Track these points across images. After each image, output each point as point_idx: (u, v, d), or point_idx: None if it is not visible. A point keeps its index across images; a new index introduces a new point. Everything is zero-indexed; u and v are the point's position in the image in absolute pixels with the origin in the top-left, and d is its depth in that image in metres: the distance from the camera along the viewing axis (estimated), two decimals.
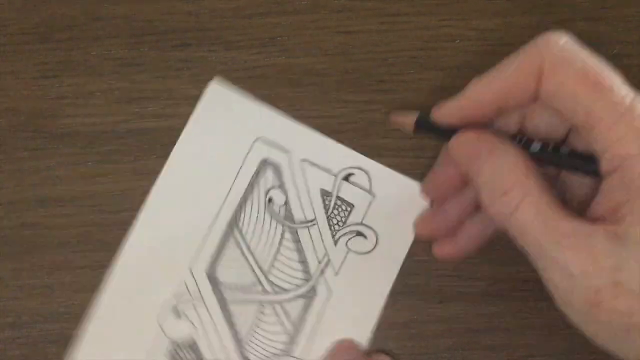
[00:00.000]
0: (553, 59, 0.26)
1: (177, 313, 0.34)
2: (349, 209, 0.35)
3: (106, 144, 0.36)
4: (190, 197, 0.35)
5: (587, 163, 0.27)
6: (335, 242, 0.35)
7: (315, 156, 0.35)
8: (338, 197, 0.35)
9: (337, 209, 0.35)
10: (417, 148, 0.36)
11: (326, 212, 0.35)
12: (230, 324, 0.34)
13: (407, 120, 0.31)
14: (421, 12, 0.37)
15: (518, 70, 0.27)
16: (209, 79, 0.36)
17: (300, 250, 0.35)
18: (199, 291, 0.34)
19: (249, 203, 0.35)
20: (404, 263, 0.35)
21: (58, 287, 0.35)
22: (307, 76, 0.36)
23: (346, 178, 0.35)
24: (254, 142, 0.35)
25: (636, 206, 0.24)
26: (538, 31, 0.36)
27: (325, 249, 0.35)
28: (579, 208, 0.27)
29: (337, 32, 0.36)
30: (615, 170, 0.25)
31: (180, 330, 0.34)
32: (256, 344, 0.34)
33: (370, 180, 0.35)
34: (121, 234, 0.35)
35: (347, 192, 0.35)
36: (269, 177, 0.35)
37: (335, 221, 0.35)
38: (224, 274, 0.34)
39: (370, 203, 0.35)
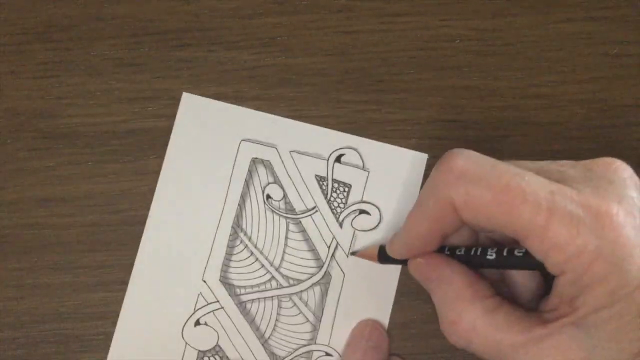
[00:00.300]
0: (459, 195, 0.26)
1: (199, 323, 0.34)
2: (346, 189, 0.35)
3: (106, 144, 0.36)
4: (190, 210, 0.35)
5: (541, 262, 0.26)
6: (341, 225, 0.35)
7: (302, 145, 0.35)
8: (334, 180, 0.35)
9: (336, 192, 0.35)
10: (416, 148, 0.36)
11: (325, 197, 0.35)
12: (252, 323, 0.34)
13: (371, 255, 0.33)
14: (421, 12, 0.37)
15: (434, 210, 0.27)
16: (209, 79, 0.36)
17: (307, 240, 0.35)
18: (216, 298, 0.34)
19: (248, 203, 0.35)
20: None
21: (58, 287, 0.35)
22: (307, 76, 0.36)
23: (338, 159, 0.35)
24: (240, 143, 0.35)
25: (587, 299, 0.24)
26: (538, 31, 0.37)
27: (332, 233, 0.35)
28: (531, 301, 0.28)
29: (337, 32, 0.36)
30: (561, 272, 0.25)
31: (205, 339, 0.34)
32: (281, 339, 0.34)
33: (361, 156, 0.35)
34: (121, 234, 0.35)
35: (342, 173, 0.35)
36: (262, 174, 0.35)
37: (336, 204, 0.35)
38: (237, 277, 0.35)
39: (366, 179, 0.35)
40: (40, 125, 0.36)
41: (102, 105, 0.36)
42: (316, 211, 0.35)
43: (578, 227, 0.24)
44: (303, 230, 0.35)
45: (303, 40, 0.36)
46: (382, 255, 0.32)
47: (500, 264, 0.28)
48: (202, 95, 0.36)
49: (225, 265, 0.35)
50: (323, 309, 0.35)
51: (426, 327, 0.35)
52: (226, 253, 0.35)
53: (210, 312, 0.34)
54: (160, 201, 0.35)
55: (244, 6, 0.37)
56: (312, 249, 0.35)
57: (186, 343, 0.34)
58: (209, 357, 0.34)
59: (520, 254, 0.27)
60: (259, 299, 0.35)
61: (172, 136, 0.35)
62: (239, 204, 0.35)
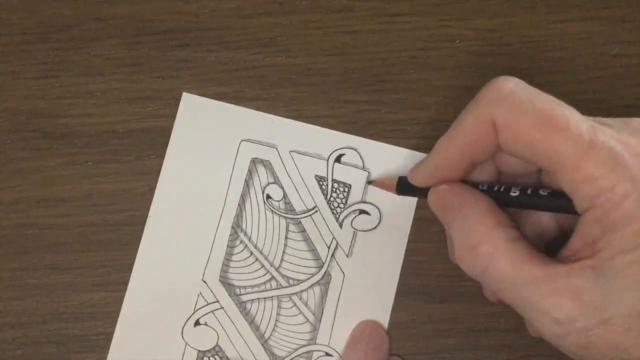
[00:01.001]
0: (503, 114, 0.25)
1: (199, 323, 0.34)
2: (346, 189, 0.35)
3: (106, 144, 0.36)
4: (190, 211, 0.35)
5: (566, 203, 0.26)
6: (340, 225, 0.35)
7: (302, 145, 0.35)
8: (334, 180, 0.35)
9: (336, 192, 0.35)
10: (416, 148, 0.36)
11: (325, 197, 0.35)
12: (252, 324, 0.34)
13: (389, 184, 0.32)
14: (421, 12, 0.37)
15: (473, 128, 0.27)
16: (209, 78, 0.36)
17: (307, 240, 0.35)
18: (216, 299, 0.34)
19: (248, 204, 0.35)
20: (404, 263, 0.35)
21: (58, 287, 0.35)
22: (307, 76, 0.36)
23: (338, 159, 0.35)
24: (240, 144, 0.35)
25: (612, 240, 0.24)
26: (538, 31, 0.37)
27: (332, 233, 0.35)
28: (551, 245, 0.28)
29: (337, 32, 0.36)
30: (588, 208, 0.24)
31: (205, 339, 0.34)
32: (280, 339, 0.34)
33: (361, 156, 0.35)
34: (121, 234, 0.35)
35: (342, 173, 0.35)
36: (262, 174, 0.35)
37: (335, 204, 0.35)
38: (237, 277, 0.35)
39: (366, 179, 0.35)
40: (40, 125, 0.36)
41: (102, 105, 0.36)
42: (316, 211, 0.35)
43: (615, 162, 0.24)
44: (303, 231, 0.35)
45: (303, 40, 0.36)
46: (401, 186, 0.31)
47: (524, 202, 0.27)
48: (201, 95, 0.36)
49: (225, 265, 0.35)
50: (323, 309, 0.35)
51: (426, 327, 0.35)
52: (226, 253, 0.35)
53: (210, 312, 0.34)
54: (160, 201, 0.35)
55: (244, 6, 0.37)
56: (312, 249, 0.35)
57: (186, 343, 0.34)
58: (208, 357, 0.34)
59: (545, 194, 0.26)
60: (258, 299, 0.35)
61: (172, 136, 0.35)
62: (238, 204, 0.35)
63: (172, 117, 0.36)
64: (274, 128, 0.36)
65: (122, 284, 0.35)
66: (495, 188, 0.28)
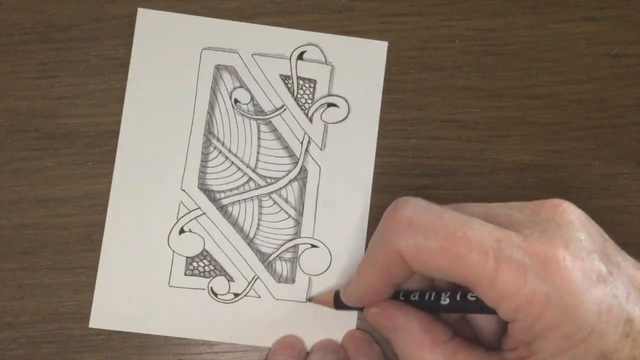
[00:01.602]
0: (406, 246, 0.25)
1: (184, 231, 0.35)
2: (312, 85, 0.36)
3: (106, 144, 0.36)
4: (161, 125, 0.35)
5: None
6: (310, 119, 0.36)
7: (263, 46, 0.36)
8: (299, 77, 0.36)
9: (302, 89, 0.36)
10: (416, 148, 0.36)
11: (292, 95, 0.36)
12: (236, 225, 0.35)
13: (327, 301, 0.33)
14: (421, 12, 0.37)
15: (384, 261, 0.27)
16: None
17: (280, 138, 0.36)
18: (197, 205, 0.35)
19: (217, 110, 0.36)
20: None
21: (58, 287, 0.35)
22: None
23: (300, 57, 0.36)
24: (201, 52, 0.36)
25: (542, 345, 0.24)
26: (538, 31, 0.37)
27: (303, 129, 0.36)
28: (493, 337, 0.29)
29: (337, 32, 0.36)
30: (513, 320, 0.25)
31: (191, 245, 0.35)
32: (265, 237, 0.35)
33: (323, 52, 0.36)
34: None
35: (305, 69, 0.36)
36: (227, 80, 0.36)
37: (303, 100, 0.36)
38: (215, 183, 0.35)
39: (330, 73, 0.36)
40: (40, 125, 0.36)
41: (102, 105, 0.36)
42: (285, 109, 0.36)
43: (526, 275, 0.24)
44: (274, 130, 0.36)
45: None
46: (338, 302, 0.32)
47: (455, 308, 0.28)
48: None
49: (202, 172, 0.35)
50: (303, 203, 0.35)
51: None
52: (201, 160, 0.35)
53: (193, 219, 0.35)
54: (129, 119, 0.35)
55: (244, 6, 0.37)
56: (286, 146, 0.36)
57: (173, 251, 0.35)
58: (197, 262, 0.35)
59: (474, 298, 0.27)
60: (239, 201, 0.35)
61: (133, 54, 0.36)
62: (207, 112, 0.36)
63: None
64: (234, 33, 0.36)
65: None
66: (427, 297, 0.28)
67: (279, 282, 0.35)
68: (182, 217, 0.35)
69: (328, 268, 0.35)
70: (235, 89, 0.36)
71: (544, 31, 0.37)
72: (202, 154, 0.35)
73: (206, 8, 0.36)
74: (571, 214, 0.26)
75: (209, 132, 0.35)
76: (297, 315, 0.35)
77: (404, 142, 0.36)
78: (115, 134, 0.36)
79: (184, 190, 0.35)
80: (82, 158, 0.36)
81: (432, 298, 0.28)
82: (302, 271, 0.35)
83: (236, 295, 0.35)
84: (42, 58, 0.36)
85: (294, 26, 0.36)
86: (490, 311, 0.25)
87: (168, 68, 0.36)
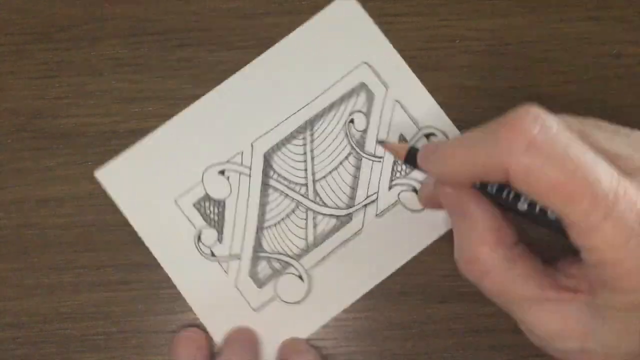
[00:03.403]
0: (517, 168, 0.24)
1: (222, 173, 0.35)
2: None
3: (106, 144, 0.36)
4: (282, 83, 0.36)
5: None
6: (390, 187, 0.35)
7: (409, 102, 0.36)
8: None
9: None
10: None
11: (395, 159, 0.36)
12: (262, 207, 0.35)
13: (399, 151, 0.32)
14: (421, 12, 0.37)
15: (484, 164, 0.25)
16: (209, 78, 0.36)
17: (356, 178, 0.35)
18: (250, 166, 0.35)
19: (332, 114, 0.36)
20: (404, 263, 0.35)
21: (58, 287, 0.35)
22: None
23: (427, 136, 0.36)
24: (361, 64, 0.36)
25: (608, 297, 0.24)
26: (538, 31, 0.37)
27: (378, 189, 0.35)
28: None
29: None
30: (592, 265, 0.24)
31: (217, 188, 0.35)
32: (274, 236, 0.35)
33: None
34: (121, 234, 0.35)
35: None
36: (360, 100, 0.36)
37: (399, 168, 0.36)
38: (279, 163, 0.35)
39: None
40: (40, 125, 0.36)
41: (102, 105, 0.36)
42: (380, 162, 0.35)
43: (629, 239, 0.23)
44: (358, 168, 0.35)
45: None
46: (410, 158, 0.31)
47: (530, 217, 0.27)
48: (202, 95, 0.36)
49: (277, 145, 0.35)
50: (325, 239, 0.35)
51: (426, 327, 0.35)
52: (286, 137, 0.35)
53: (238, 172, 0.35)
54: (265, 58, 0.36)
55: (244, 6, 0.37)
56: (354, 188, 0.35)
57: (202, 181, 0.35)
58: (209, 202, 0.35)
59: (553, 217, 0.26)
60: (283, 192, 0.35)
61: (310, 21, 0.36)
62: (324, 109, 0.35)
63: (173, 116, 0.36)
64: (397, 71, 0.36)
65: (122, 284, 0.35)
66: (504, 194, 0.27)
67: (256, 283, 0.35)
68: (231, 161, 0.35)
69: (306, 295, 0.35)
70: (359, 111, 0.35)
71: (544, 31, 0.37)
72: (291, 133, 0.35)
73: (206, 8, 0.36)
74: None
75: (311, 123, 0.35)
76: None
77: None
78: (115, 134, 0.36)
79: (252, 145, 0.35)
80: (82, 158, 0.36)
81: (510, 198, 0.27)
82: (278, 296, 0.35)
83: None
84: (42, 58, 0.36)
85: (294, 26, 0.36)
86: (565, 236, 0.24)
87: (325, 51, 0.36)
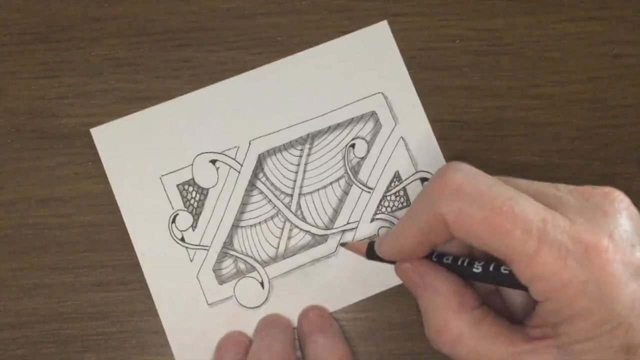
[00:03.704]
0: (451, 211, 0.25)
1: (214, 163, 0.35)
2: (405, 204, 0.36)
3: None
4: (295, 91, 0.36)
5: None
6: (372, 220, 0.35)
7: (414, 142, 0.36)
8: (404, 189, 0.36)
9: (396, 197, 0.36)
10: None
11: (385, 192, 0.36)
12: (243, 205, 0.35)
13: (360, 249, 0.33)
14: (421, 12, 0.37)
15: (426, 223, 0.27)
16: (209, 79, 0.36)
17: (341, 202, 0.35)
18: (243, 162, 0.35)
19: (335, 134, 0.36)
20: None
21: (58, 287, 0.35)
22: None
23: (422, 179, 0.36)
24: (377, 93, 0.36)
25: (569, 329, 0.24)
26: (538, 31, 0.37)
27: (360, 218, 0.35)
28: (522, 313, 0.29)
29: (337, 32, 0.36)
30: (545, 300, 0.25)
31: (204, 175, 0.35)
32: (247, 237, 0.35)
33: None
34: (121, 234, 0.35)
35: (415, 190, 0.36)
36: (366, 128, 0.36)
37: (387, 204, 0.35)
38: (271, 167, 0.35)
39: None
40: (40, 125, 0.36)
41: (102, 105, 0.36)
42: (369, 193, 0.35)
43: (566, 259, 0.24)
44: (346, 194, 0.35)
45: (303, 40, 0.36)
46: (370, 252, 0.32)
47: (486, 278, 0.28)
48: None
49: (274, 150, 0.35)
50: (294, 256, 0.35)
51: None
52: (283, 144, 0.35)
53: (229, 165, 0.35)
54: (286, 62, 0.36)
55: (244, 6, 0.37)
56: (336, 212, 0.35)
57: (192, 165, 0.35)
58: (193, 189, 0.35)
59: (507, 272, 0.27)
60: (266, 197, 0.35)
61: (344, 37, 0.36)
62: (328, 127, 0.36)
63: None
64: (409, 107, 0.36)
65: (122, 284, 0.35)
66: (459, 262, 0.28)
67: (219, 279, 0.35)
68: (225, 154, 0.35)
69: (263, 303, 0.35)
70: (362, 138, 0.36)
71: (544, 31, 0.37)
72: (290, 142, 0.35)
73: (206, 8, 0.36)
74: (621, 202, 0.25)
75: (312, 138, 0.35)
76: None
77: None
78: None
79: (249, 143, 0.35)
80: (82, 158, 0.36)
81: (465, 264, 0.28)
82: (235, 297, 0.35)
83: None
84: (42, 58, 0.36)
85: (294, 26, 0.36)
86: (521, 287, 0.25)
87: (343, 72, 0.36)
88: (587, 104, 0.36)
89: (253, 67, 0.36)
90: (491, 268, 0.27)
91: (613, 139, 0.36)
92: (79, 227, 0.35)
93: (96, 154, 0.35)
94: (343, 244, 0.35)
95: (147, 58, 0.36)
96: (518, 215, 0.24)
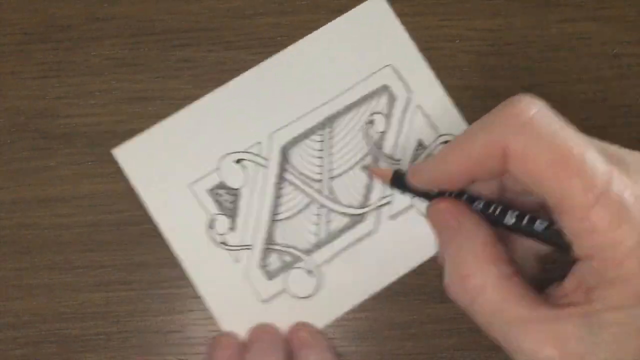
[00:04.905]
0: (517, 144, 0.24)
1: (239, 162, 0.35)
2: None
3: (106, 144, 0.36)
4: (306, 78, 0.35)
5: (564, 242, 0.25)
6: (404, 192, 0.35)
7: (430, 108, 0.36)
8: (429, 155, 0.35)
9: None
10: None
11: (412, 161, 0.35)
12: (276, 199, 0.35)
13: (385, 175, 0.32)
14: (421, 11, 0.37)
15: (482, 150, 0.25)
16: (209, 79, 0.36)
17: (371, 178, 0.35)
18: (268, 157, 0.35)
19: (352, 113, 0.35)
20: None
21: (58, 287, 0.35)
22: (254, 67, 0.36)
23: (446, 142, 0.36)
24: (385, 66, 0.36)
25: (606, 294, 0.23)
26: (538, 31, 0.37)
27: (393, 191, 0.35)
28: (539, 267, 0.27)
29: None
30: (588, 257, 0.24)
31: (232, 176, 0.35)
32: (286, 230, 0.35)
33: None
34: (121, 234, 0.35)
35: None
36: (381, 102, 0.36)
37: None
38: (296, 157, 0.35)
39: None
40: (40, 125, 0.36)
41: (102, 105, 0.36)
42: (398, 165, 0.35)
43: (624, 218, 0.23)
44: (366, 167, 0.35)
45: None
46: (396, 180, 0.31)
47: (519, 230, 0.26)
48: (202, 95, 0.36)
49: (296, 139, 0.35)
50: (335, 240, 0.35)
51: (426, 327, 0.35)
52: (305, 131, 0.35)
53: (254, 162, 0.35)
54: (286, 54, 0.36)
55: (244, 6, 0.37)
56: (369, 188, 0.35)
57: (218, 168, 0.35)
58: (224, 192, 0.35)
59: (542, 227, 0.26)
60: (298, 187, 0.35)
61: (338, 19, 0.36)
62: (345, 107, 0.35)
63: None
64: (421, 77, 0.36)
65: (122, 284, 0.35)
66: (491, 209, 0.27)
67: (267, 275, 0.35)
68: (248, 151, 0.35)
69: (315, 291, 0.35)
70: (379, 113, 0.35)
71: (544, 31, 0.37)
72: (310, 128, 0.35)
73: (206, 8, 0.36)
74: None
75: (331, 120, 0.35)
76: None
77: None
78: (115, 134, 0.36)
79: (270, 137, 0.35)
80: (82, 158, 0.36)
81: (498, 212, 0.27)
82: (287, 289, 0.35)
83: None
84: (42, 58, 0.36)
85: (294, 26, 0.36)
86: (555, 244, 0.24)
87: (350, 50, 0.36)
88: (587, 104, 0.36)
89: (253, 67, 0.36)
90: (525, 220, 0.26)
91: (613, 139, 0.36)
92: (79, 227, 0.35)
93: (96, 153, 0.35)
94: (365, 167, 0.34)
95: (147, 58, 0.36)
96: (587, 162, 0.23)
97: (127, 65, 0.36)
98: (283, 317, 0.34)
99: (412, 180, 0.30)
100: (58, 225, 0.35)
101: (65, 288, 0.35)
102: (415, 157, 0.35)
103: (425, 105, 0.36)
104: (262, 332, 0.34)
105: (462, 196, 0.28)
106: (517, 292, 0.25)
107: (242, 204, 0.35)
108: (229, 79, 0.36)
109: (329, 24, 0.36)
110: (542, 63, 0.36)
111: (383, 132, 0.36)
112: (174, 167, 0.35)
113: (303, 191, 0.35)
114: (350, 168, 0.35)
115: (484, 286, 0.26)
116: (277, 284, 0.35)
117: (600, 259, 0.23)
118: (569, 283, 0.25)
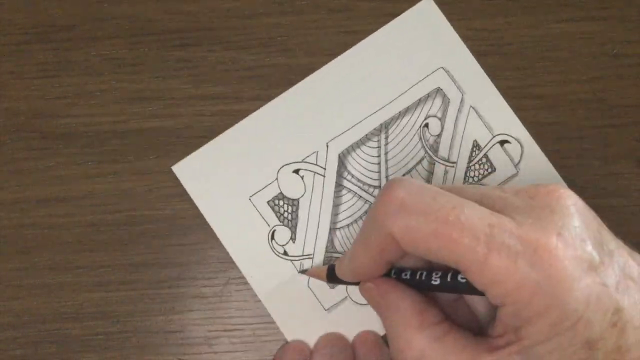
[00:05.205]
0: (397, 228, 0.25)
1: (297, 173, 0.35)
2: (490, 170, 0.36)
3: (106, 144, 0.36)
4: (359, 85, 0.36)
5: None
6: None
7: (484, 109, 0.36)
8: (485, 156, 0.36)
9: (479, 165, 0.36)
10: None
11: (469, 163, 0.35)
12: (335, 207, 0.35)
13: (320, 274, 0.33)
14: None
15: (376, 242, 0.27)
16: (209, 79, 0.36)
17: (428, 181, 0.35)
18: (325, 166, 0.35)
19: (407, 118, 0.36)
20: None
21: (58, 287, 0.35)
22: (307, 76, 0.36)
23: (502, 142, 0.35)
24: (438, 69, 0.36)
25: (530, 331, 0.24)
26: (538, 31, 0.37)
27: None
28: (489, 320, 0.28)
29: (337, 32, 0.36)
30: (502, 304, 0.25)
31: (291, 186, 0.35)
32: (346, 237, 0.35)
33: (522, 155, 0.36)
34: (121, 234, 0.35)
35: (496, 155, 0.35)
36: (435, 105, 0.36)
37: (472, 174, 0.35)
38: (353, 164, 0.35)
39: (512, 176, 0.35)
40: (40, 125, 0.36)
41: (102, 105, 0.36)
42: (453, 167, 0.35)
43: (516, 261, 0.24)
44: (431, 173, 0.35)
45: (303, 40, 0.36)
46: (332, 276, 0.32)
47: (446, 288, 0.28)
48: (202, 94, 0.36)
49: (352, 147, 0.35)
50: None
51: None
52: (361, 139, 0.35)
53: (312, 172, 0.35)
54: (344, 60, 0.36)
55: (244, 6, 0.37)
56: None
57: (277, 179, 0.35)
58: (283, 200, 0.35)
59: (464, 280, 0.27)
60: (356, 193, 0.35)
61: (390, 23, 0.36)
62: (399, 112, 0.35)
63: (173, 116, 0.36)
64: (474, 78, 0.36)
65: (122, 284, 0.35)
66: (418, 276, 0.28)
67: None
68: (306, 161, 0.35)
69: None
70: (434, 116, 0.35)
71: (544, 31, 0.37)
72: (366, 135, 0.35)
73: (206, 8, 0.36)
74: (567, 199, 0.25)
75: (386, 126, 0.35)
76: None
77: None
78: (115, 133, 0.36)
79: (327, 145, 0.35)
80: (82, 158, 0.36)
81: (423, 277, 0.28)
82: (350, 296, 0.35)
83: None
84: (42, 58, 0.36)
85: (294, 26, 0.36)
86: (480, 293, 0.25)
87: (402, 55, 0.36)
88: (587, 104, 0.36)
89: (253, 67, 0.36)
90: (449, 278, 0.27)
91: (613, 139, 0.36)
92: (79, 227, 0.35)
93: (96, 153, 0.35)
94: (303, 272, 0.35)
95: (147, 58, 0.36)
96: (464, 223, 0.24)
97: (127, 65, 0.36)
98: (346, 325, 0.34)
99: (341, 277, 0.31)
100: (58, 225, 0.35)
101: (65, 288, 0.35)
102: (470, 159, 0.35)
103: (479, 106, 0.36)
104: (330, 338, 0.34)
105: (391, 271, 0.29)
106: (456, 348, 0.26)
107: (302, 214, 0.35)
108: (229, 78, 0.36)
109: (380, 29, 0.36)
110: (542, 63, 0.36)
111: (438, 135, 0.36)
112: (233, 180, 0.35)
113: (361, 197, 0.35)
114: (408, 172, 0.35)
115: (422, 354, 0.27)
116: (339, 292, 0.35)
117: (511, 303, 0.24)
118: (498, 327, 0.26)
